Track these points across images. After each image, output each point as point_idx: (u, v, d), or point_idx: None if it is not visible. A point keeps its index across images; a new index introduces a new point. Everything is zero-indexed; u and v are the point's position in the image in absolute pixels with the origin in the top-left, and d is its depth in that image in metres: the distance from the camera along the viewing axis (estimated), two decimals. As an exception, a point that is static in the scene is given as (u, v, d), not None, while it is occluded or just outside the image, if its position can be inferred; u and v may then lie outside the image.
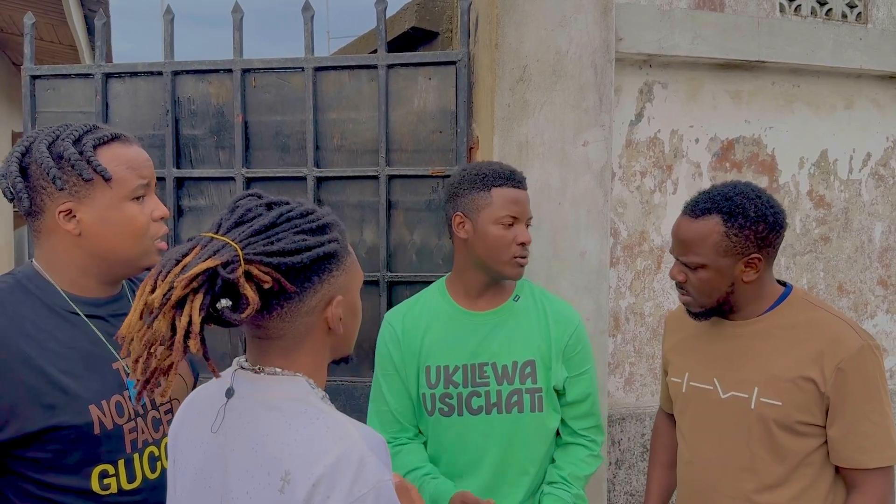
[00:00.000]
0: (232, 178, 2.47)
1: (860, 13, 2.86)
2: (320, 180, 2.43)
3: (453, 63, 2.34)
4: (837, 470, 1.66)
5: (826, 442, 1.63)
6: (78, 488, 1.32)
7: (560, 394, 1.90)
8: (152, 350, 1.03)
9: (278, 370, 1.14)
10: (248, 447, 1.09)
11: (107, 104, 2.52)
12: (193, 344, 1.01)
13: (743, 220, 1.63)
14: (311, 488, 1.00)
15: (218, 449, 1.14)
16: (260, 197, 1.17)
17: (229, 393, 1.16)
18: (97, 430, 1.33)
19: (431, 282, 2.01)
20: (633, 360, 2.63)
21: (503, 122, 2.22)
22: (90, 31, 5.18)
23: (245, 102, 2.46)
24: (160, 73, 2.48)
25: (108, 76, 2.51)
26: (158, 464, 1.43)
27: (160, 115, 2.51)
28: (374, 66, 2.38)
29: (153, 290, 1.03)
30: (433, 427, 1.87)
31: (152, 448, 1.43)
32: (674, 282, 1.78)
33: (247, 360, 1.19)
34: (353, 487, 1.01)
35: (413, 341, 1.88)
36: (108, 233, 1.36)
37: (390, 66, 2.38)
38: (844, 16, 2.84)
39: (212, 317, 1.06)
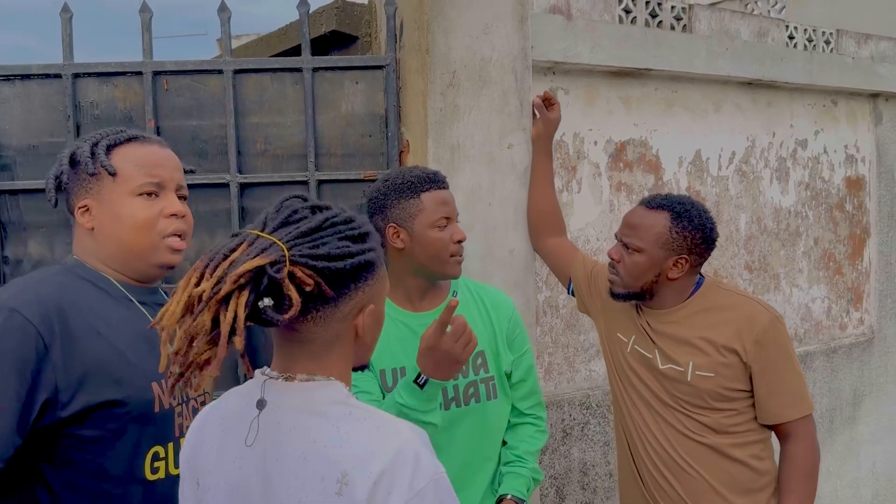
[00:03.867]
0: (144, 187, 2.33)
1: (685, 25, 3.14)
2: (244, 186, 2.36)
3: (381, 67, 2.36)
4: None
5: (751, 404, 1.93)
6: (130, 475, 1.34)
7: (508, 376, 1.99)
8: (193, 343, 1.02)
9: (315, 375, 1.14)
10: (294, 455, 1.08)
11: (-6, 109, 2.29)
12: (239, 340, 1.00)
13: (687, 223, 1.91)
14: (373, 486, 1.02)
15: (256, 462, 1.12)
16: (305, 199, 1.17)
17: (261, 404, 1.14)
18: (156, 409, 1.37)
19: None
20: (552, 350, 2.77)
21: (436, 126, 2.27)
22: None
23: (157, 107, 2.34)
24: (58, 76, 2.30)
25: (-6, 78, 2.29)
26: None
27: (59, 122, 2.32)
28: (299, 70, 2.34)
29: (198, 283, 1.02)
30: None
31: None
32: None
33: (271, 370, 1.18)
34: (413, 482, 1.03)
35: None
36: (114, 226, 1.41)
37: (315, 70, 2.35)
38: (672, 27, 3.10)
39: (251, 315, 1.05)
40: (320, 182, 2.37)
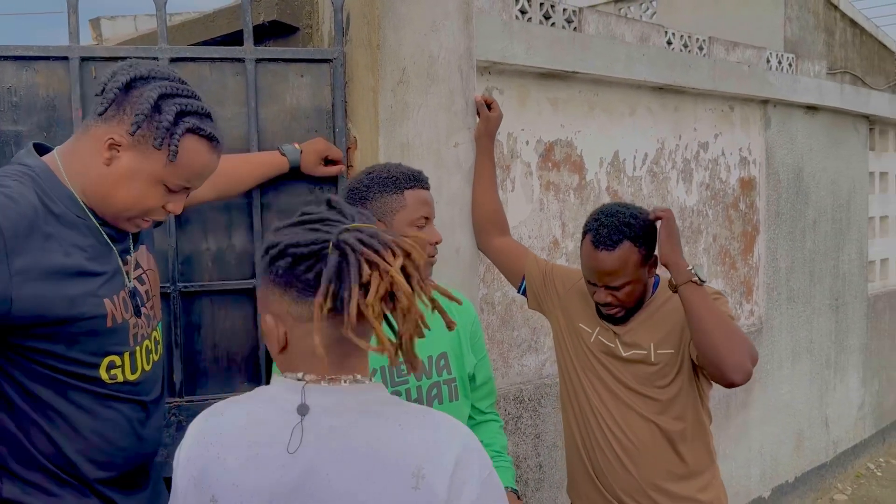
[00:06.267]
0: (68, 181, 2.16)
1: (576, 27, 3.26)
2: (181, 182, 2.23)
3: (328, 61, 2.30)
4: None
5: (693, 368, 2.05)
6: (88, 376, 1.43)
7: (471, 379, 2.01)
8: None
9: (359, 377, 1.17)
10: (361, 453, 1.10)
11: None
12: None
13: (640, 234, 1.99)
14: (450, 479, 1.08)
15: (306, 466, 1.11)
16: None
17: (304, 409, 1.14)
18: (109, 323, 1.44)
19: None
20: (488, 347, 2.80)
21: (387, 123, 2.24)
22: None
23: (84, 95, 2.17)
24: (-30, 58, 2.09)
25: None
26: (151, 356, 1.58)
27: (-30, 107, 2.11)
28: (241, 60, 2.24)
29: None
30: None
31: (147, 342, 1.57)
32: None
33: (307, 374, 1.16)
34: (481, 471, 1.12)
35: None
36: (123, 183, 1.42)
37: (258, 61, 2.26)
38: (564, 27, 3.18)
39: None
40: (264, 178, 2.28)
